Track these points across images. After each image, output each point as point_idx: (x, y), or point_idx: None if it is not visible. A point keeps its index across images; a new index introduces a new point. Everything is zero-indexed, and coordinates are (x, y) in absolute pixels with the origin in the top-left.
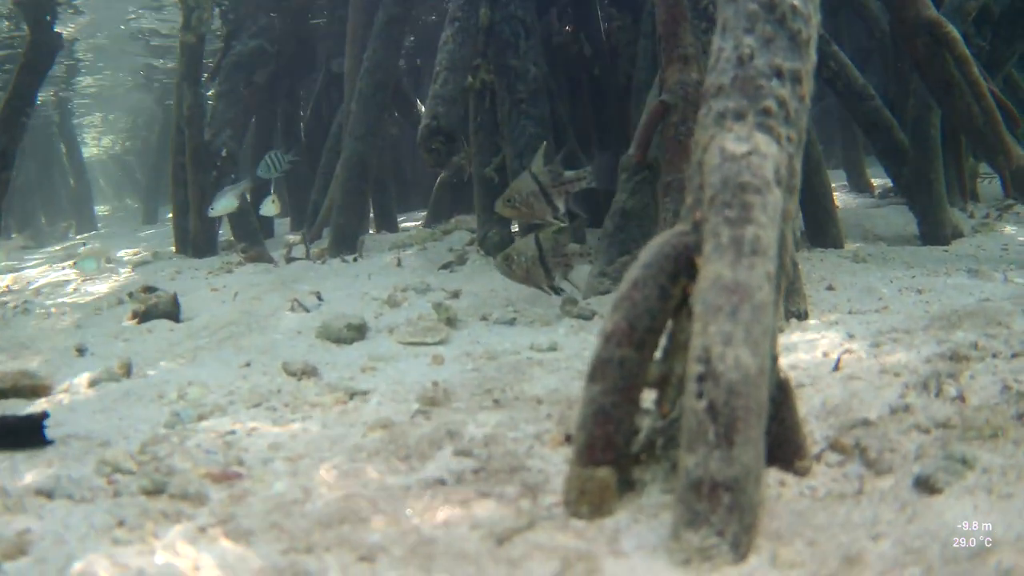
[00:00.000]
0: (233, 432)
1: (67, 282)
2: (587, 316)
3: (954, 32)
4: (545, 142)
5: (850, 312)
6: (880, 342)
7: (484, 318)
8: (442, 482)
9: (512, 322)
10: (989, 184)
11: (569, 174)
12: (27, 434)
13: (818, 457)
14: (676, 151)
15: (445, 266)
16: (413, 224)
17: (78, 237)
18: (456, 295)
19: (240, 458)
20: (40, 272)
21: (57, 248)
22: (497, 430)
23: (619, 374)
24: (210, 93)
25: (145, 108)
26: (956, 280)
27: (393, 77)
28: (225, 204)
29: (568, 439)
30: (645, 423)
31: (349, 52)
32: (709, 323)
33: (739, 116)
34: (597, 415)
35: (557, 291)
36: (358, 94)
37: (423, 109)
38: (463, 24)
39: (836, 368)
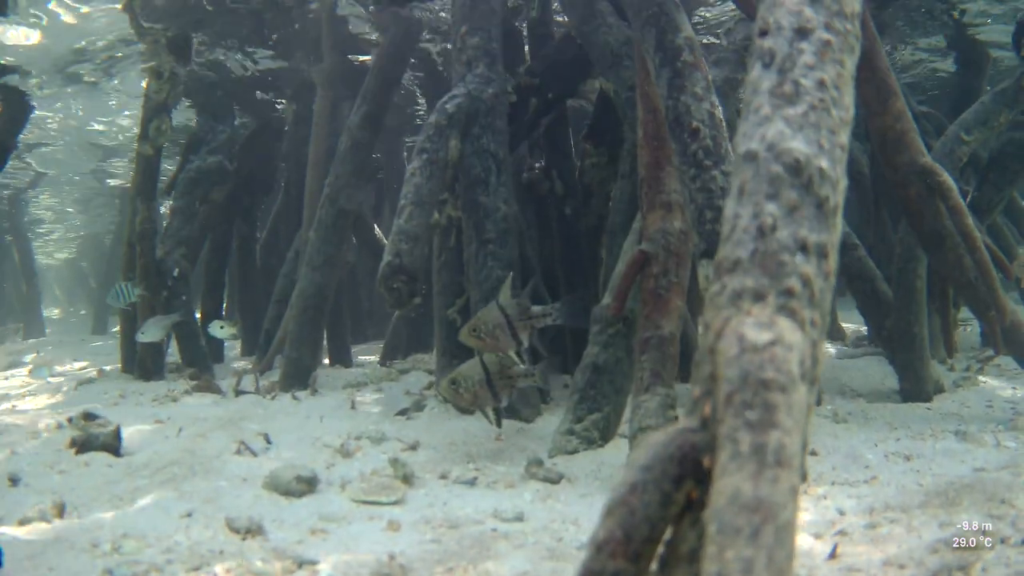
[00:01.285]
0: None
1: (6, 396)
2: (554, 479)
3: (949, 180)
4: (511, 273)
5: (836, 483)
6: (876, 523)
7: (443, 476)
8: None
9: (473, 482)
10: (966, 331)
11: (536, 309)
12: None
13: None
14: (656, 305)
15: (402, 412)
16: (367, 358)
17: (27, 342)
18: (414, 447)
19: None
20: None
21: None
22: None
23: None
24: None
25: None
26: (944, 444)
27: (356, 205)
28: (152, 333)
29: None
30: None
31: (310, 176)
32: (726, 548)
33: (759, 297)
34: None
35: (499, 422)
36: (318, 222)
37: (384, 239)
38: (431, 156)
39: (832, 556)
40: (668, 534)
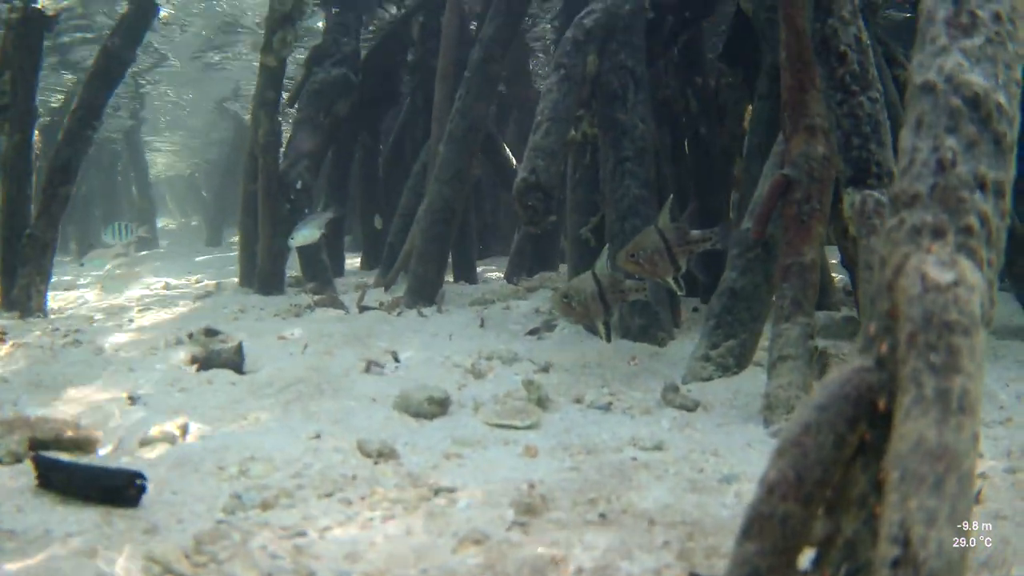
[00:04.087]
0: (304, 533)
1: (124, 309)
2: (690, 407)
3: None
4: (671, 195)
5: None
6: (1015, 467)
7: (578, 400)
8: None
9: (608, 407)
10: None
11: (695, 234)
12: (120, 492)
13: None
14: (798, 231)
15: (532, 332)
16: (491, 274)
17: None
18: (546, 369)
19: (311, 570)
20: (97, 294)
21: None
22: (609, 558)
23: (780, 532)
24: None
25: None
26: None
27: (485, 119)
28: (307, 234)
29: None
30: None
31: (439, 90)
32: (909, 496)
33: (939, 234)
34: None
35: (609, 336)
36: (448, 136)
37: (511, 154)
38: (568, 72)
39: (976, 501)
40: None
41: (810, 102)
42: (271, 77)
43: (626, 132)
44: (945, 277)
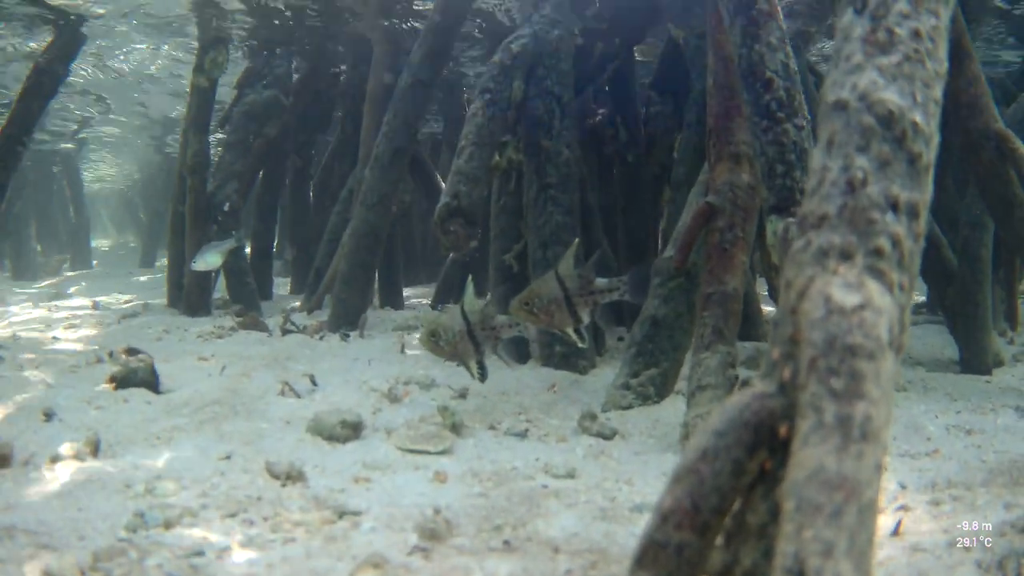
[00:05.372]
0: (202, 553)
1: (48, 327)
2: (607, 435)
3: (1023, 149)
4: (577, 240)
5: (896, 455)
6: (939, 500)
7: (493, 427)
8: None
9: (524, 434)
10: None
11: (601, 282)
12: None
13: None
14: (720, 260)
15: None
16: (419, 301)
17: (71, 273)
18: (463, 395)
19: None
20: (22, 309)
21: (47, 283)
22: None
23: (675, 563)
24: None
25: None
26: (1004, 420)
27: (413, 144)
28: (209, 260)
29: None
30: None
31: (367, 114)
32: (805, 526)
33: (846, 256)
34: None
35: (483, 375)
36: (373, 160)
37: (442, 182)
38: (494, 96)
39: (896, 532)
40: (736, 505)
41: (736, 129)
42: (202, 98)
43: (550, 159)
44: (850, 300)
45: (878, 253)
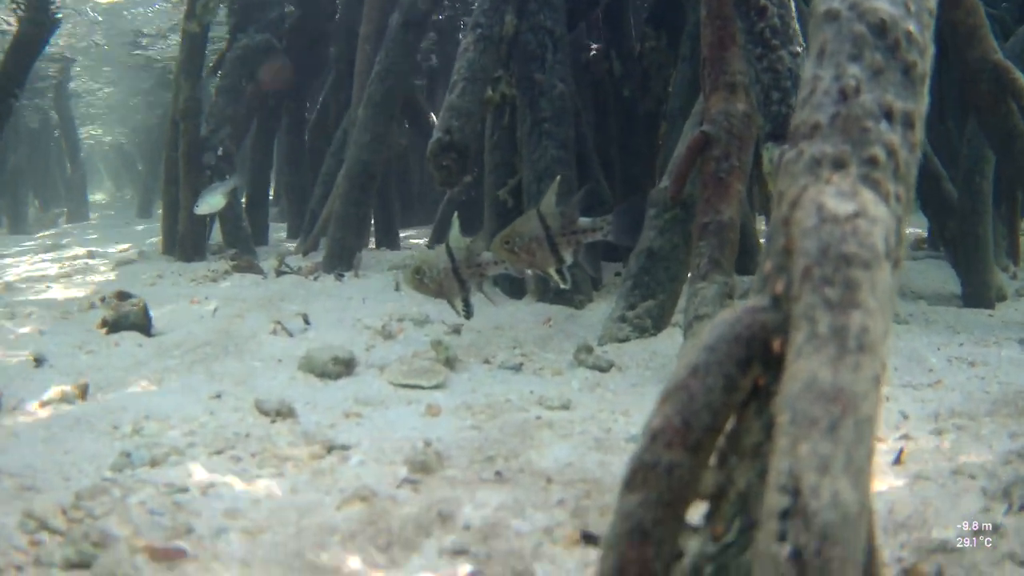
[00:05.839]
0: (186, 490)
1: (43, 277)
2: (603, 367)
3: (1022, 80)
4: (560, 176)
5: (898, 385)
6: (942, 429)
7: (487, 361)
8: None
9: (519, 368)
10: None
11: (584, 222)
12: None
13: None
14: (716, 189)
15: None
16: (416, 241)
17: (68, 225)
18: (457, 330)
19: (189, 526)
20: (16, 260)
21: (45, 234)
22: (499, 515)
23: (666, 483)
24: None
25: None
26: (1009, 352)
27: (406, 84)
28: (212, 202)
29: (586, 539)
30: (691, 545)
31: (361, 55)
32: (800, 441)
33: (839, 165)
34: (633, 533)
35: (469, 312)
36: (366, 99)
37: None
38: (485, 32)
39: (898, 461)
40: (730, 424)
41: (730, 59)
42: (193, 43)
43: (544, 93)
44: (844, 208)
45: (872, 162)
